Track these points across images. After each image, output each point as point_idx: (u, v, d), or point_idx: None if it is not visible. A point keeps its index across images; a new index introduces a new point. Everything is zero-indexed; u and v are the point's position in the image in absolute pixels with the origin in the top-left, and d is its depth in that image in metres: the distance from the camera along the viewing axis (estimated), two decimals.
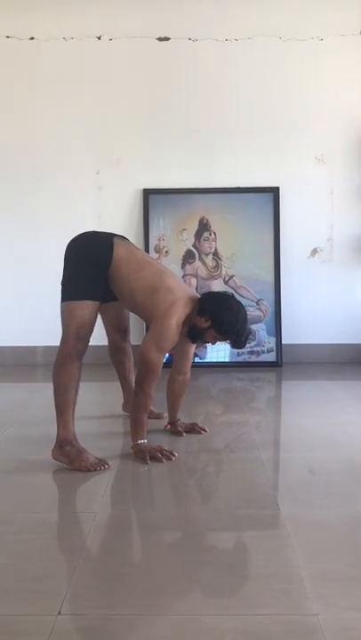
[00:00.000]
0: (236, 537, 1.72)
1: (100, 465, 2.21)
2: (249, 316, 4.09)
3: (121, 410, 2.96)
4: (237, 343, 2.37)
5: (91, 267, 2.36)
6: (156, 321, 2.31)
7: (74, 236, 2.50)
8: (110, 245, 2.40)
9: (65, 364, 2.28)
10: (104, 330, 2.81)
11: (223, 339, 2.37)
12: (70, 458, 2.23)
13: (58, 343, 4.19)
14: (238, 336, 2.33)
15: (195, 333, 2.36)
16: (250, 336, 2.40)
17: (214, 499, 2.04)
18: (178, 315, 2.30)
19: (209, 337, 2.38)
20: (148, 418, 2.42)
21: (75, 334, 2.28)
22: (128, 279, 2.38)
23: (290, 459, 2.41)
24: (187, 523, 1.83)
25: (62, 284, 2.40)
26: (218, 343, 2.49)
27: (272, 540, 1.68)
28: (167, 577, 1.49)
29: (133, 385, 2.49)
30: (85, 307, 2.30)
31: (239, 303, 2.37)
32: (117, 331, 2.80)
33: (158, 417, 2.78)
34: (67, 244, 2.47)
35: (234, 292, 4.17)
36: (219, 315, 2.29)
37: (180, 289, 2.41)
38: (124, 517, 1.85)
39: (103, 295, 2.38)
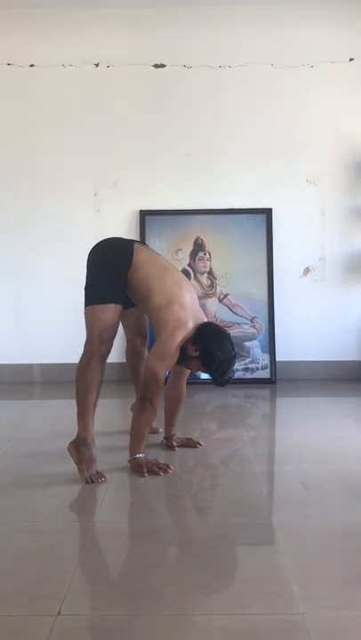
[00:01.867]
0: (227, 544, 1.78)
1: (97, 478, 2.28)
2: (243, 334, 4.25)
3: (120, 426, 3.02)
4: (217, 381, 2.43)
5: (112, 270, 2.44)
6: (164, 338, 2.37)
7: (97, 242, 2.58)
8: (131, 249, 2.47)
9: (88, 366, 2.35)
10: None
11: (206, 372, 2.44)
12: (79, 459, 2.30)
13: (55, 361, 4.33)
14: (220, 375, 2.40)
15: (182, 358, 2.43)
16: (231, 378, 2.46)
17: (208, 509, 2.11)
18: (183, 335, 2.38)
19: (193, 365, 2.46)
20: None
21: (98, 337, 2.35)
22: (147, 281, 2.44)
23: (283, 471, 2.47)
24: (181, 531, 1.90)
25: (85, 288, 2.47)
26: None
27: (263, 546, 1.75)
28: (161, 580, 1.55)
29: None
30: (108, 310, 2.37)
31: (232, 345, 2.42)
32: (138, 335, 2.88)
33: (155, 432, 2.85)
34: (90, 250, 2.55)
35: (229, 310, 4.31)
36: (209, 350, 2.36)
37: (192, 309, 2.46)
38: (120, 527, 1.91)
39: (125, 300, 2.46)
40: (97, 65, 4.33)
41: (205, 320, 2.54)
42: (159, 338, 2.39)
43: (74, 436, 2.36)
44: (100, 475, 2.29)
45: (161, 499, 2.21)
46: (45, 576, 1.57)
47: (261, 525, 1.90)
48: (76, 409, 2.37)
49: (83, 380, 2.36)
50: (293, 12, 4.26)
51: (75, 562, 1.63)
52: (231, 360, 2.40)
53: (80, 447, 2.32)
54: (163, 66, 4.33)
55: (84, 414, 2.35)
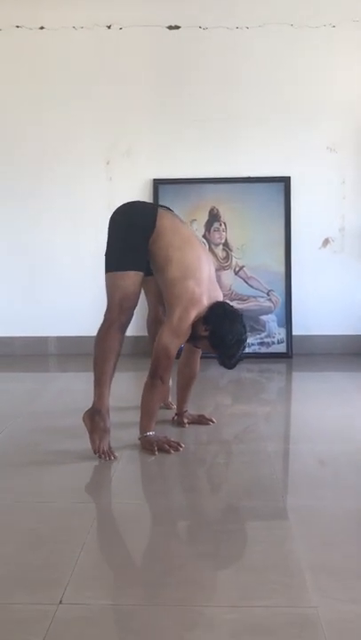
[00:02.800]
0: (239, 528, 1.73)
1: (107, 455, 2.22)
2: (259, 307, 4.15)
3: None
4: (225, 363, 2.34)
5: (134, 236, 2.33)
6: (178, 314, 2.28)
7: (119, 206, 2.46)
8: (154, 215, 2.35)
9: (107, 335, 2.28)
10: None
11: (214, 353, 2.34)
12: (93, 428, 2.26)
13: (71, 333, 4.27)
14: (228, 358, 2.31)
15: (191, 336, 2.34)
16: (240, 361, 2.37)
17: (220, 491, 2.05)
18: (197, 312, 2.29)
19: (202, 345, 2.38)
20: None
21: (118, 305, 2.27)
22: (167, 250, 2.32)
23: (297, 451, 2.40)
24: (191, 514, 1.84)
25: (105, 254, 2.37)
26: None
27: (275, 531, 1.68)
28: (168, 568, 1.50)
29: None
30: (128, 277, 2.28)
31: (244, 328, 2.33)
32: (160, 303, 2.74)
33: (168, 407, 2.79)
34: (111, 214, 2.44)
35: (245, 282, 4.20)
36: (219, 331, 2.27)
37: (208, 285, 2.36)
38: (128, 509, 1.86)
39: (147, 267, 2.36)
40: (109, 27, 4.16)
41: (220, 299, 2.44)
42: (172, 313, 2.30)
43: (86, 410, 2.31)
44: (110, 452, 2.24)
45: (171, 479, 2.16)
46: (49, 561, 1.52)
47: (274, 509, 1.84)
48: (92, 379, 2.31)
49: (101, 349, 2.29)
50: None
51: (80, 546, 1.59)
52: (241, 343, 2.30)
53: (94, 417, 2.27)
54: (177, 27, 4.15)
55: (100, 384, 2.28)
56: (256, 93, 4.15)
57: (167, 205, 2.69)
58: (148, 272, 2.39)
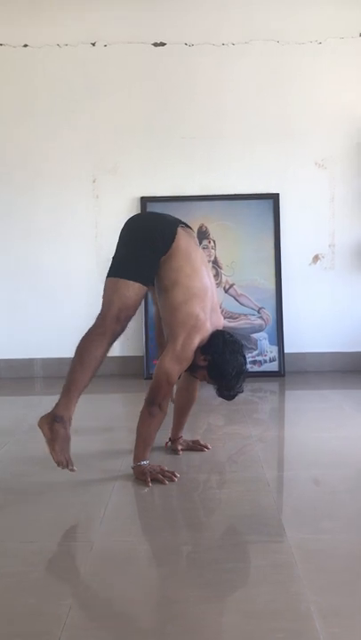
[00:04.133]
0: (241, 567, 1.62)
1: (66, 466, 2.12)
2: (250, 325, 4.07)
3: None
4: (223, 395, 2.25)
5: (148, 249, 2.22)
6: (181, 339, 2.18)
7: (137, 213, 2.38)
8: (173, 234, 2.26)
9: (93, 342, 2.16)
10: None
11: (213, 384, 2.25)
12: (53, 437, 2.12)
13: (56, 355, 4.17)
14: (227, 389, 2.22)
15: (190, 366, 2.25)
16: (239, 393, 2.27)
17: (218, 525, 1.94)
18: (200, 337, 2.20)
19: (200, 375, 2.28)
20: None
21: (115, 315, 2.16)
22: (176, 274, 2.22)
23: (295, 477, 2.31)
24: (189, 552, 1.74)
25: (114, 258, 2.27)
26: None
27: (279, 570, 1.59)
28: (167, 616, 1.39)
29: None
30: (133, 288, 2.18)
31: (245, 359, 2.24)
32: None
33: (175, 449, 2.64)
34: (127, 220, 2.35)
35: (235, 300, 4.13)
36: (218, 362, 2.17)
37: (211, 313, 2.28)
38: (122, 547, 1.75)
39: (151, 281, 2.26)
40: (94, 44, 4.11)
41: (221, 327, 2.35)
42: (176, 339, 2.19)
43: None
44: (69, 464, 2.13)
45: (166, 512, 2.05)
46: (38, 610, 1.41)
47: (277, 544, 1.74)
48: (74, 397, 2.16)
49: (84, 356, 2.15)
50: None
51: (72, 593, 1.48)
52: (241, 375, 2.21)
53: (54, 424, 2.12)
54: (163, 44, 4.11)
55: (71, 391, 2.15)
56: (243, 110, 4.11)
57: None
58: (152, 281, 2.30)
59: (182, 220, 2.43)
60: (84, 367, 2.15)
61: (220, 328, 2.33)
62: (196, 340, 2.19)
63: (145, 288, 2.22)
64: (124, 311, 2.18)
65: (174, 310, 2.22)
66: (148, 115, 4.13)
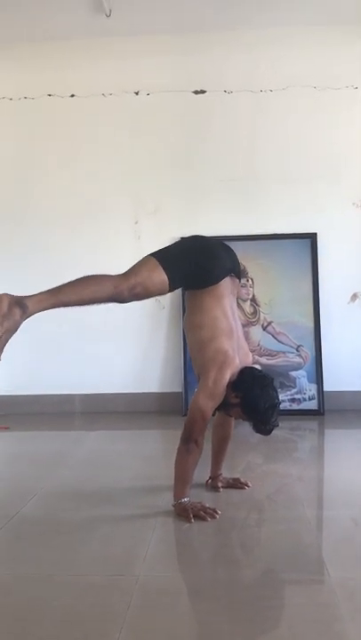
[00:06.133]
0: (283, 605, 1.64)
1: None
2: (289, 363, 4.10)
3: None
4: (260, 430, 2.28)
5: (196, 267, 2.27)
6: (213, 375, 2.23)
7: (215, 239, 2.46)
8: (221, 277, 2.31)
9: (102, 281, 2.11)
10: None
11: (248, 420, 2.29)
12: (6, 315, 1.93)
13: (95, 391, 4.28)
14: (263, 424, 2.25)
15: (222, 404, 2.29)
16: (275, 427, 2.28)
17: (260, 562, 1.96)
18: (231, 371, 2.26)
19: (234, 412, 2.32)
20: None
21: (132, 285, 2.13)
22: (206, 313, 2.29)
23: (336, 517, 2.31)
24: (231, 588, 1.76)
25: (165, 247, 2.32)
26: None
27: (321, 609, 1.59)
28: None
29: None
30: (160, 278, 2.18)
31: (276, 392, 2.28)
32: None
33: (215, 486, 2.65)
34: (200, 235, 2.44)
35: (273, 338, 4.17)
36: (250, 397, 2.22)
37: (238, 352, 2.33)
38: (166, 582, 1.78)
39: (173, 288, 2.27)
40: (137, 93, 4.31)
41: (250, 363, 2.41)
42: (207, 376, 2.25)
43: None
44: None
45: (208, 548, 2.08)
46: None
47: (319, 583, 1.75)
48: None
49: (88, 284, 2.09)
50: (334, 32, 4.18)
51: (120, 625, 1.52)
52: (275, 408, 2.24)
53: (16, 307, 1.96)
54: (203, 92, 4.28)
55: (53, 294, 2.06)
56: (281, 152, 4.23)
57: None
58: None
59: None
60: (77, 289, 2.08)
61: (249, 363, 2.38)
62: (227, 375, 2.24)
63: (167, 287, 2.22)
64: (140, 288, 2.16)
65: (203, 347, 2.29)
66: (188, 158, 4.28)
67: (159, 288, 2.22)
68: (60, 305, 2.05)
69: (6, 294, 1.98)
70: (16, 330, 1.98)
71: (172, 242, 4.07)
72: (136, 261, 2.25)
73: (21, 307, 1.98)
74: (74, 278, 2.11)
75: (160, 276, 2.19)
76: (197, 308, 2.34)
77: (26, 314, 1.98)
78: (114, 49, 4.29)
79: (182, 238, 2.40)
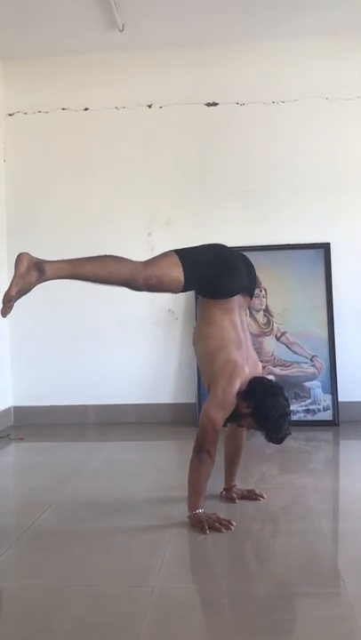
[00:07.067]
0: (301, 619, 1.63)
1: (9, 301, 1.96)
2: (303, 374, 4.08)
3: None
4: (272, 439, 2.27)
5: (215, 276, 2.28)
6: (222, 385, 2.24)
7: (239, 251, 2.46)
8: (235, 292, 2.34)
9: (120, 262, 2.14)
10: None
11: (260, 430, 2.28)
12: (24, 275, 1.95)
13: (108, 402, 4.30)
14: (275, 433, 2.24)
15: (233, 415, 2.29)
16: (288, 435, 2.28)
17: (276, 574, 1.95)
18: (240, 381, 2.26)
19: (246, 423, 2.32)
20: None
21: (149, 275, 2.17)
22: (213, 328, 2.31)
23: (353, 529, 2.29)
24: (247, 601, 1.75)
25: (189, 247, 2.33)
26: None
27: (339, 622, 1.58)
28: None
29: None
30: (176, 275, 2.21)
31: (286, 400, 2.27)
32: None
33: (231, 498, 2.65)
34: (224, 244, 2.43)
35: (287, 348, 4.16)
36: (261, 406, 2.22)
37: (247, 362, 2.34)
38: (181, 594, 1.78)
39: (187, 288, 2.30)
40: (150, 106, 4.35)
41: (260, 372, 2.42)
42: (217, 386, 2.26)
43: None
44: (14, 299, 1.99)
45: (223, 560, 2.07)
46: None
47: (336, 596, 1.74)
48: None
49: (108, 262, 2.13)
50: (345, 43, 4.19)
51: (135, 636, 1.51)
52: (286, 417, 2.23)
53: (36, 270, 1.98)
54: (215, 104, 4.31)
55: (71, 264, 2.08)
56: (293, 163, 4.24)
57: None
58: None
59: None
60: (96, 266, 2.09)
61: (259, 373, 2.38)
62: (237, 385, 2.24)
63: (180, 287, 2.25)
64: (155, 281, 2.19)
65: (212, 357, 2.30)
66: (201, 170, 4.31)
67: (173, 285, 2.25)
68: (75, 277, 2.07)
69: (27, 254, 2.00)
70: (29, 291, 2.00)
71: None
72: (158, 253, 2.28)
73: (39, 270, 1.99)
74: (92, 257, 2.12)
75: (177, 275, 2.22)
76: (206, 320, 2.36)
77: (42, 278, 2.00)
78: (127, 63, 4.34)
79: (209, 244, 2.39)
